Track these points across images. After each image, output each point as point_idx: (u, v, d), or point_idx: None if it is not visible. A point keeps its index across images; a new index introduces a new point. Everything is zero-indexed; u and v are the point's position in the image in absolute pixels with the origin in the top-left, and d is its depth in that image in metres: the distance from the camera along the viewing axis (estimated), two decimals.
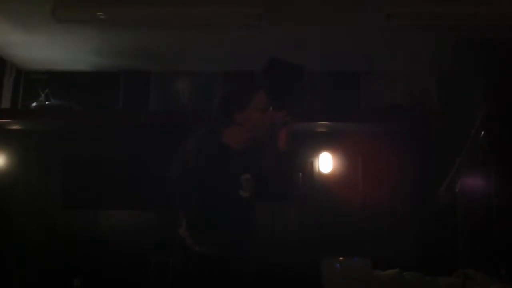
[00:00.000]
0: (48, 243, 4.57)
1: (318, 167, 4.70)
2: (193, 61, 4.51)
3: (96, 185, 4.62)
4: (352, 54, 4.26)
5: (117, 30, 3.92)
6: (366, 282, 3.95)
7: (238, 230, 1.97)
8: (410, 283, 3.94)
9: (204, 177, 1.87)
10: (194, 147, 1.95)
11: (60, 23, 3.65)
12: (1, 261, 4.50)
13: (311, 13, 3.58)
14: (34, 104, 4.63)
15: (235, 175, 1.95)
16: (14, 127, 4.76)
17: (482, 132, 3.55)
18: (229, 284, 1.92)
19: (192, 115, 4.53)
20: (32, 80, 4.84)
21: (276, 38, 3.91)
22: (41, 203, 4.69)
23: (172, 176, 2.00)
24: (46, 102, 4.62)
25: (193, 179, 1.90)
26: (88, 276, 4.47)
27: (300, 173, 4.56)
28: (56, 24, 3.66)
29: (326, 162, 4.69)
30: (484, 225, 3.62)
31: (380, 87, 4.66)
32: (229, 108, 1.99)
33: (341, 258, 4.10)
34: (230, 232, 1.93)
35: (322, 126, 4.59)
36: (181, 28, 3.82)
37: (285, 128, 2.06)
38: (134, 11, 3.59)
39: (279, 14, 3.59)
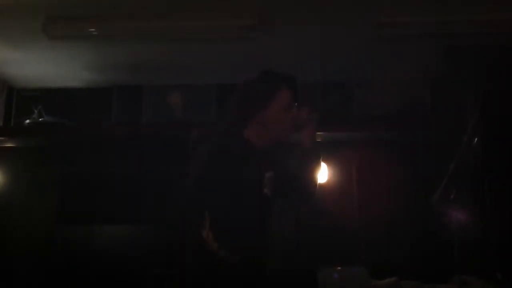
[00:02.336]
0: (44, 259, 4.53)
1: None
2: (186, 74, 4.53)
3: (91, 200, 4.60)
4: (344, 63, 4.28)
5: (109, 45, 3.93)
6: None
7: (262, 231, 1.92)
8: None
9: (228, 176, 1.81)
10: (216, 146, 1.90)
11: (51, 39, 3.65)
12: None
13: (304, 24, 3.61)
14: (27, 121, 4.62)
15: (259, 173, 1.90)
16: (7, 144, 4.74)
17: (475, 139, 3.58)
18: None
19: (186, 127, 4.53)
20: (24, 97, 4.84)
21: (269, 49, 3.92)
22: (36, 219, 4.66)
23: (193, 176, 1.93)
24: (40, 119, 4.62)
25: (216, 179, 1.83)
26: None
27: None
28: (47, 40, 3.67)
29: (321, 172, 4.69)
30: (480, 231, 3.62)
31: (373, 96, 4.68)
32: (249, 108, 1.96)
33: (338, 267, 4.09)
34: (256, 232, 1.88)
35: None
36: (173, 42, 3.83)
37: (310, 125, 2.05)
38: (126, 26, 3.61)
39: (271, 26, 3.60)
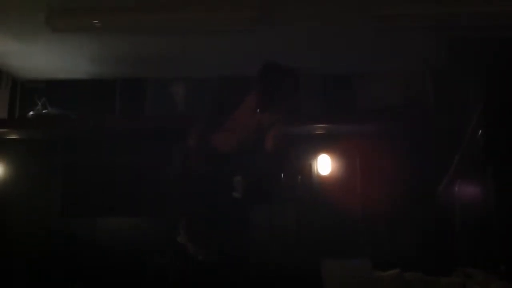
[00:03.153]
0: (46, 251, 4.56)
1: (317, 169, 4.70)
2: (189, 67, 4.52)
3: (94, 192, 4.62)
4: (347, 55, 4.27)
5: (113, 37, 3.93)
6: (367, 283, 3.94)
7: (235, 232, 1.99)
8: (410, 283, 3.94)
9: (198, 180, 1.91)
10: (186, 152, 1.99)
11: (55, 31, 3.65)
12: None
13: (305, 15, 3.59)
14: (31, 113, 4.64)
15: (227, 177, 1.97)
16: (12, 136, 4.76)
17: (480, 131, 3.56)
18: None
19: (189, 120, 4.53)
20: (28, 89, 4.85)
21: (271, 41, 3.91)
22: (40, 211, 4.69)
23: (168, 181, 2.03)
24: (43, 111, 4.63)
25: (187, 183, 1.95)
26: (86, 283, 4.46)
27: (299, 176, 4.58)
28: (51, 32, 3.67)
29: (324, 164, 4.70)
30: (483, 223, 3.62)
31: (376, 89, 4.66)
32: (222, 113, 2.02)
33: (341, 259, 4.10)
34: (227, 233, 1.95)
35: (319, 128, 4.59)
36: (176, 34, 3.83)
37: (273, 130, 2.04)
38: (129, 18, 3.60)
39: (273, 17, 3.59)
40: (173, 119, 4.59)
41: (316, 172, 4.70)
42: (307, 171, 4.66)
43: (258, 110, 2.03)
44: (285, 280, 4.19)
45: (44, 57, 4.33)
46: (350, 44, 4.05)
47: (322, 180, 4.68)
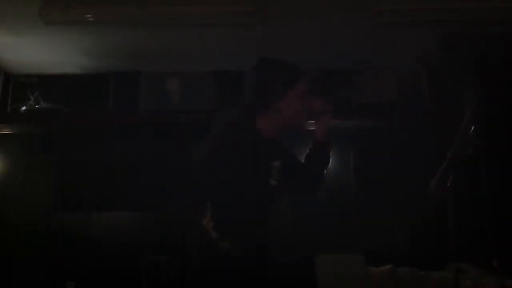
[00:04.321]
0: (41, 246, 4.54)
1: None
2: (183, 61, 4.50)
3: (88, 186, 4.61)
4: (342, 50, 4.27)
5: (106, 31, 3.89)
6: (360, 278, 3.96)
7: (264, 221, 1.87)
8: (403, 278, 3.97)
9: (234, 164, 1.76)
10: (226, 133, 1.86)
11: (47, 25, 3.62)
12: None
13: (302, 11, 3.58)
14: (23, 107, 4.60)
15: (265, 162, 1.86)
16: (4, 131, 4.73)
17: (472, 127, 3.57)
18: (246, 284, 1.81)
19: (183, 114, 4.52)
20: (21, 84, 4.80)
21: (266, 36, 3.90)
22: (33, 206, 4.67)
23: (197, 162, 1.89)
24: (36, 106, 4.59)
25: (221, 166, 1.78)
26: (82, 278, 4.45)
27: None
28: (43, 26, 3.63)
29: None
30: (476, 218, 3.64)
31: (370, 84, 4.66)
32: (267, 96, 1.90)
33: (334, 254, 4.11)
34: (257, 223, 1.83)
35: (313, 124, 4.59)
36: (171, 28, 3.80)
37: (323, 117, 2.02)
38: (123, 11, 3.56)
39: (269, 12, 3.58)
40: (167, 113, 4.58)
41: None
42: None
43: (310, 96, 1.96)
44: (279, 275, 4.20)
45: (37, 50, 4.28)
46: (346, 39, 4.04)
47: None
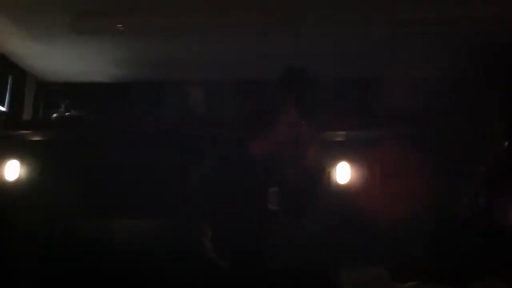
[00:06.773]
0: (63, 252, 4.60)
1: (336, 177, 4.65)
2: (207, 70, 4.54)
3: (114, 194, 4.65)
4: (366, 59, 4.23)
5: (135, 41, 3.97)
6: None
7: (264, 247, 1.91)
8: None
9: (231, 189, 1.81)
10: (220, 158, 1.91)
11: (79, 35, 3.71)
12: (14, 269, 4.54)
13: (323, 18, 3.58)
14: (54, 115, 4.70)
15: (263, 188, 1.89)
16: (35, 138, 4.83)
17: (506, 143, 3.48)
18: None
19: (208, 124, 4.54)
20: (52, 92, 4.92)
21: (288, 46, 3.90)
22: (61, 212, 4.73)
23: (194, 186, 1.94)
24: (66, 113, 4.69)
25: (218, 191, 1.83)
26: (101, 284, 4.48)
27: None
28: (75, 35, 3.72)
29: (343, 172, 4.65)
30: (506, 237, 3.54)
31: (396, 94, 4.60)
32: (259, 123, 1.94)
33: (359, 269, 4.05)
34: (256, 249, 1.87)
35: (339, 135, 4.56)
36: (197, 37, 3.85)
37: (314, 143, 2.02)
38: (152, 21, 3.63)
39: (291, 23, 3.59)
40: (192, 122, 4.60)
41: (335, 180, 4.65)
42: (326, 179, 4.61)
43: (301, 122, 1.96)
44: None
45: (68, 59, 4.39)
46: (369, 48, 4.01)
47: (341, 188, 4.63)
